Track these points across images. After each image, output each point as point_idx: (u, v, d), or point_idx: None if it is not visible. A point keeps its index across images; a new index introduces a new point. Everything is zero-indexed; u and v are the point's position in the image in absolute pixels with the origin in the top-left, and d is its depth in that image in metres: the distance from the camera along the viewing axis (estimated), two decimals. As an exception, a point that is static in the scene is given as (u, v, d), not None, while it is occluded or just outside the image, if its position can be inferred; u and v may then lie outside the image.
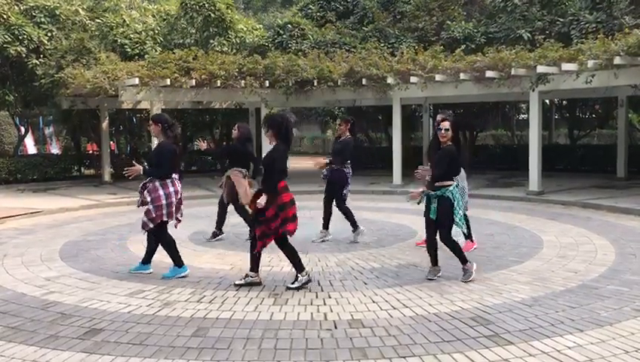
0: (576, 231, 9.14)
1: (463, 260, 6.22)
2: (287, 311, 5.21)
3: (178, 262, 6.51)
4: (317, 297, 5.66)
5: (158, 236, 6.49)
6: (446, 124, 6.07)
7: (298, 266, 5.96)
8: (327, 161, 8.48)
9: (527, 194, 13.37)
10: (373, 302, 5.49)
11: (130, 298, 5.70)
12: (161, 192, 6.27)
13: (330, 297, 5.65)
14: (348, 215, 8.43)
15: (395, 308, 5.27)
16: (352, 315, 5.10)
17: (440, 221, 6.13)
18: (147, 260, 6.71)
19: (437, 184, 6.12)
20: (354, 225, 8.43)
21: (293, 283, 5.93)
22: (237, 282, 6.04)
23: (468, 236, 7.74)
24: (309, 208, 10.05)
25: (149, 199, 6.26)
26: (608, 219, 10.33)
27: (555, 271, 6.56)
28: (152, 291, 5.93)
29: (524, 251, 7.68)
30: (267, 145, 7.01)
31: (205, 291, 5.92)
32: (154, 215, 6.27)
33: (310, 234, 8.41)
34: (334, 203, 8.39)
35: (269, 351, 4.32)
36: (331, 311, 5.23)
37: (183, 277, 6.42)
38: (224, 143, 8.62)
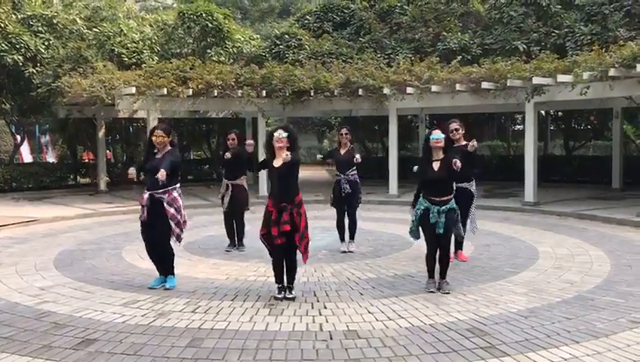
0: (571, 242, 9.15)
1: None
2: (282, 322, 5.20)
3: (173, 270, 6.57)
4: (312, 308, 5.65)
5: (168, 246, 6.41)
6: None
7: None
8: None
9: (522, 204, 13.38)
10: (369, 312, 5.47)
11: (125, 308, 5.67)
12: (180, 202, 6.33)
13: (325, 308, 5.64)
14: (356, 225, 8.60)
15: (390, 319, 5.26)
16: (347, 326, 5.08)
17: (446, 234, 6.10)
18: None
19: (445, 198, 6.08)
20: (353, 236, 8.56)
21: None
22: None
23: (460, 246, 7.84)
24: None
25: (172, 211, 6.21)
26: (604, 230, 10.35)
27: (550, 282, 6.56)
28: (147, 301, 5.90)
29: (520, 262, 7.68)
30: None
31: (200, 301, 5.89)
32: (184, 225, 6.37)
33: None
34: (348, 212, 8.44)
35: None
36: (327, 321, 5.22)
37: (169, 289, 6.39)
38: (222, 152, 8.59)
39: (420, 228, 6.25)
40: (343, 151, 8.40)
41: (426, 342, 4.65)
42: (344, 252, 8.31)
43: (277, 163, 5.90)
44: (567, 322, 5.12)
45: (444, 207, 6.03)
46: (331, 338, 4.77)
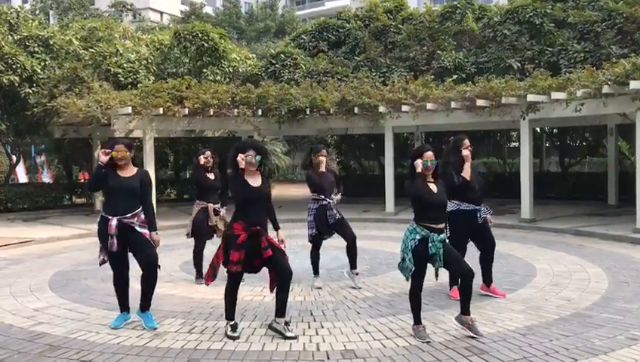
0: (569, 258, 9.13)
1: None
2: (279, 342, 5.15)
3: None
4: (309, 327, 5.61)
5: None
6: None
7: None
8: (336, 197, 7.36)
9: (519, 221, 13.38)
10: (366, 331, 5.44)
11: (120, 329, 5.62)
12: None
13: (322, 327, 5.60)
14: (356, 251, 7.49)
15: (388, 338, 5.22)
16: (344, 345, 5.04)
17: (462, 265, 5.23)
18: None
19: (442, 225, 5.25)
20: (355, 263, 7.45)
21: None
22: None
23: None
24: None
25: (148, 233, 5.53)
26: (601, 246, 10.34)
27: (548, 300, 6.53)
28: (142, 322, 5.84)
29: (518, 279, 7.66)
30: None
31: (196, 321, 5.85)
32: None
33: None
34: (347, 238, 7.33)
35: (261, 382, 4.26)
36: (324, 341, 5.18)
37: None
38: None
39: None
40: (323, 173, 7.25)
41: (424, 362, 4.62)
42: (319, 288, 7.23)
43: (254, 182, 5.28)
44: (565, 339, 5.09)
45: (442, 236, 5.17)
46: (328, 358, 4.73)
